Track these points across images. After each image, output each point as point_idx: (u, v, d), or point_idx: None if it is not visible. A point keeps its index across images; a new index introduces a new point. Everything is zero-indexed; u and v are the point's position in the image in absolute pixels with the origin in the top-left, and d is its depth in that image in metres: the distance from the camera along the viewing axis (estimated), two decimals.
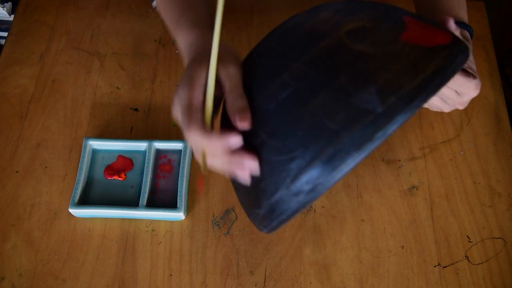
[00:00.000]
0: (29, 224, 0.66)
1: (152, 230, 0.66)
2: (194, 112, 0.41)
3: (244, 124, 0.41)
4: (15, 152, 0.71)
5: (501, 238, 0.66)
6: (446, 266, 0.64)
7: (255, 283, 0.63)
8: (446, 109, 0.57)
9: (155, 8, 0.63)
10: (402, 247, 0.65)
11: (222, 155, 0.42)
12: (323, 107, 0.39)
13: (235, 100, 0.42)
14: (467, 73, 0.53)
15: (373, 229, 0.66)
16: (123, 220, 0.66)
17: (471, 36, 0.60)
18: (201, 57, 0.45)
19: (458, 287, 0.62)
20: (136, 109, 0.75)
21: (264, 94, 0.42)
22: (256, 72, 0.45)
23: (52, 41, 0.82)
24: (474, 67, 0.57)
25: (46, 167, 0.70)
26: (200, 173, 0.47)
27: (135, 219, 0.66)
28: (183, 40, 0.52)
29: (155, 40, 0.82)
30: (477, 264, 0.64)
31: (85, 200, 0.67)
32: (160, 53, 0.80)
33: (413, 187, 0.69)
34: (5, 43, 0.82)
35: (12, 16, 1.08)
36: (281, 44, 0.46)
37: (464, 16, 0.61)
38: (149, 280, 0.63)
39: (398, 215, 0.67)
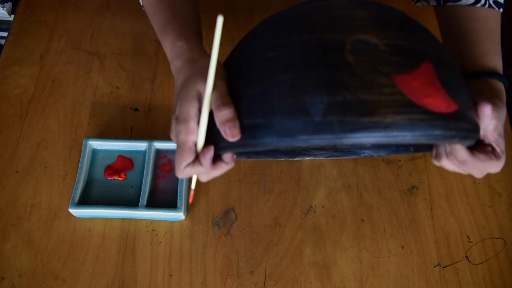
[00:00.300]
0: (29, 224, 0.66)
1: (152, 230, 0.66)
2: (186, 152, 0.45)
3: (234, 138, 0.42)
4: (15, 152, 0.71)
5: (501, 238, 0.66)
6: (446, 266, 0.64)
7: (255, 283, 0.63)
8: (460, 171, 0.50)
9: (142, 7, 0.62)
10: (402, 247, 0.65)
11: (206, 174, 0.47)
12: (282, 85, 0.41)
13: (220, 112, 0.43)
14: (491, 151, 0.46)
15: (373, 229, 0.66)
16: (123, 220, 0.66)
17: (506, 89, 0.53)
18: (186, 86, 0.46)
19: (458, 287, 0.62)
20: (136, 109, 0.75)
21: (255, 48, 0.45)
22: (259, 27, 0.47)
23: (52, 41, 0.82)
24: (502, 143, 0.47)
25: (46, 167, 0.70)
26: (191, 188, 0.53)
27: (135, 219, 0.66)
28: (169, 49, 0.54)
29: (155, 40, 0.82)
30: (477, 264, 0.64)
31: (85, 200, 0.67)
32: (160, 53, 0.80)
33: (413, 187, 0.69)
34: (5, 43, 0.82)
35: (12, 16, 1.08)
36: (300, 15, 0.45)
37: (498, 63, 0.54)
38: (149, 280, 0.63)
39: (398, 215, 0.67)
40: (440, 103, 0.40)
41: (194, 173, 0.46)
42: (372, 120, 0.38)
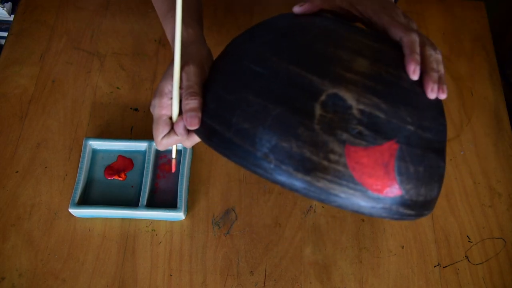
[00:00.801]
0: (29, 224, 0.66)
1: (152, 230, 0.66)
2: (160, 124, 0.48)
3: (192, 127, 0.46)
4: (15, 152, 0.71)
5: (501, 238, 0.66)
6: (446, 266, 0.64)
7: (255, 283, 0.63)
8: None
9: None
10: (402, 247, 0.65)
11: (185, 141, 0.50)
12: (247, 106, 0.42)
13: (186, 100, 0.46)
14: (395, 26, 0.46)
15: (373, 229, 0.66)
16: (123, 220, 0.66)
17: None
18: (169, 66, 0.50)
19: (458, 287, 0.62)
20: (136, 109, 0.75)
21: (249, 52, 0.46)
22: (266, 28, 0.48)
23: (52, 41, 0.82)
24: (398, 12, 0.48)
25: (46, 167, 0.70)
26: (173, 158, 0.57)
27: (135, 219, 0.66)
28: (170, 36, 0.57)
29: (155, 40, 0.82)
30: (477, 264, 0.64)
31: (85, 200, 0.67)
32: (160, 53, 0.80)
33: None
34: (5, 43, 0.82)
35: (12, 16, 1.08)
36: (308, 36, 0.45)
37: None
38: (149, 280, 0.63)
39: None
40: (381, 186, 0.40)
41: (171, 142, 0.49)
42: (305, 179, 0.39)
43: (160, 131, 0.48)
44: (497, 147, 0.72)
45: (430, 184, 0.44)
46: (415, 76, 0.43)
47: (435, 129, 0.44)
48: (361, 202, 0.40)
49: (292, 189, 0.40)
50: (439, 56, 0.45)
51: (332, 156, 0.39)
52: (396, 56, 0.44)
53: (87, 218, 0.66)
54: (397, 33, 0.46)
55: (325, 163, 0.39)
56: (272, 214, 0.67)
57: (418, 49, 0.44)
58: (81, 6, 0.85)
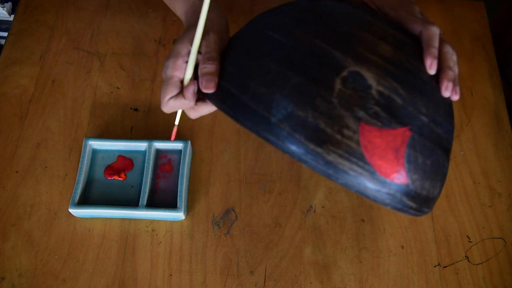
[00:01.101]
0: (29, 224, 0.66)
1: (152, 230, 0.66)
2: (171, 85, 0.48)
3: (208, 90, 0.46)
4: (15, 152, 0.71)
5: (501, 238, 0.66)
6: (446, 266, 0.64)
7: (255, 283, 0.63)
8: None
9: None
10: (402, 247, 0.65)
11: (191, 109, 0.50)
12: (266, 72, 0.42)
13: (204, 64, 0.46)
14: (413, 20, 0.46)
15: (373, 229, 0.66)
16: (123, 220, 0.66)
17: None
18: (188, 30, 0.50)
19: (458, 287, 0.62)
20: (136, 109, 0.75)
21: (269, 21, 0.46)
22: (287, 5, 0.48)
23: (52, 41, 0.82)
24: (414, 8, 0.48)
25: (46, 167, 0.70)
26: (175, 125, 0.54)
27: (135, 219, 0.66)
28: (179, 11, 0.57)
29: (155, 40, 0.82)
30: (477, 264, 0.64)
31: (85, 200, 0.67)
32: (160, 53, 0.80)
33: None
34: (5, 43, 0.82)
35: (12, 16, 1.08)
36: (332, 17, 0.45)
37: None
38: (149, 280, 0.63)
39: (398, 215, 0.67)
40: (390, 170, 0.40)
41: (177, 106, 0.48)
42: (316, 150, 0.39)
43: (169, 91, 0.47)
44: (497, 147, 0.72)
45: (434, 180, 0.44)
46: (431, 70, 0.44)
47: (446, 127, 0.45)
48: (368, 183, 0.40)
49: (302, 160, 0.40)
50: (455, 57, 0.45)
51: (346, 132, 0.39)
52: (416, 49, 0.45)
53: (87, 218, 0.66)
54: (416, 27, 0.46)
55: (338, 137, 0.39)
56: (272, 214, 0.67)
57: (437, 44, 0.44)
58: (81, 6, 0.85)
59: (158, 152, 0.70)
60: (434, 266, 0.64)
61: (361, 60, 0.41)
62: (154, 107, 0.75)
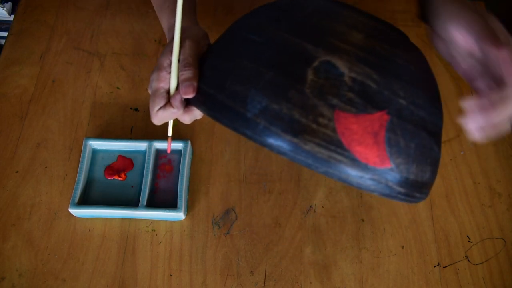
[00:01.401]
0: (29, 224, 0.66)
1: (152, 230, 0.66)
2: (157, 97, 0.50)
3: (188, 95, 0.47)
4: (15, 152, 0.71)
5: (501, 238, 0.66)
6: (446, 266, 0.64)
7: (255, 283, 0.63)
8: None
9: None
10: (402, 247, 0.65)
11: (181, 116, 0.51)
12: (242, 70, 0.43)
13: (181, 71, 0.48)
14: (490, 39, 0.42)
15: (373, 229, 0.66)
16: (123, 220, 0.66)
17: None
18: (169, 44, 0.52)
19: (458, 287, 0.62)
20: (136, 109, 0.75)
21: (247, 24, 0.47)
22: (266, 6, 0.49)
23: (52, 41, 0.82)
24: (501, 31, 0.43)
25: (46, 167, 0.70)
26: (168, 137, 0.57)
27: (135, 219, 0.66)
28: (164, 25, 0.60)
29: (155, 40, 0.82)
30: (477, 264, 0.64)
31: (85, 200, 0.67)
32: (160, 53, 0.80)
33: None
34: (5, 43, 0.82)
35: (12, 16, 1.08)
36: (306, 12, 0.45)
37: None
38: (149, 280, 0.63)
39: (398, 215, 0.67)
40: (370, 155, 0.40)
41: (167, 116, 0.50)
42: (293, 141, 0.39)
43: (157, 103, 0.49)
44: (497, 147, 0.72)
45: (422, 164, 0.44)
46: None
47: (429, 110, 0.44)
48: (349, 170, 0.40)
49: (280, 152, 0.40)
50: None
51: (321, 120, 0.39)
52: (389, 34, 0.45)
53: (87, 218, 0.66)
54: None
55: (314, 126, 0.39)
56: (272, 214, 0.67)
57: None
58: (81, 6, 0.85)
59: (158, 152, 0.70)
60: (434, 266, 0.64)
61: (332, 49, 0.42)
62: None
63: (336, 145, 0.39)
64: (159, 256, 0.64)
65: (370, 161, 0.40)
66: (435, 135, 0.45)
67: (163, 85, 0.50)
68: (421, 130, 0.43)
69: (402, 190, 0.43)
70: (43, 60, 0.80)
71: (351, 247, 0.65)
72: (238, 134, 0.42)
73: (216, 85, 0.44)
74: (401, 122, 0.41)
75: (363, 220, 0.67)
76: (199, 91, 0.46)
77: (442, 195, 0.68)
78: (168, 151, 0.58)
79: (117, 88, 0.77)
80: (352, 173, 0.40)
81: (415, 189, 0.44)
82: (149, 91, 0.51)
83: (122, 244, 0.65)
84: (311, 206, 0.68)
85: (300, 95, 0.40)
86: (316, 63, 0.41)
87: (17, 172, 0.70)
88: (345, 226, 0.66)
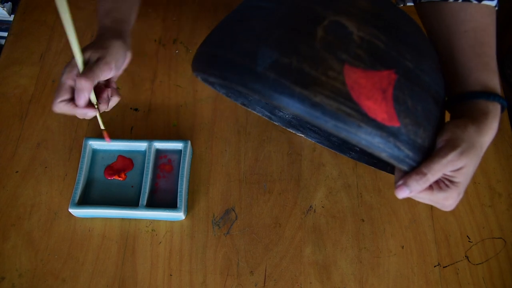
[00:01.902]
0: (29, 224, 0.66)
1: (152, 230, 0.66)
2: (64, 89, 0.54)
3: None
4: (15, 152, 0.71)
5: (501, 238, 0.66)
6: (446, 266, 0.64)
7: (255, 283, 0.63)
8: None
9: None
10: (402, 247, 0.65)
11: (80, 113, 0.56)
12: (251, 30, 0.43)
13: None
14: (437, 185, 0.45)
15: (373, 229, 0.66)
16: (123, 220, 0.66)
17: (502, 110, 0.48)
18: (91, 43, 0.56)
19: (458, 287, 0.62)
20: (136, 109, 0.75)
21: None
22: None
23: (52, 41, 0.82)
24: (459, 176, 0.45)
25: (46, 167, 0.70)
26: (103, 130, 0.62)
27: (135, 219, 0.66)
28: (97, 28, 0.61)
29: (155, 40, 0.82)
30: (477, 264, 0.64)
31: (85, 200, 0.67)
32: (160, 53, 0.80)
33: None
34: (5, 43, 0.82)
35: (12, 16, 1.08)
36: None
37: (486, 79, 0.49)
38: (149, 280, 0.63)
39: (398, 215, 0.67)
40: (379, 110, 0.40)
41: (67, 110, 0.54)
42: (302, 93, 0.39)
43: (61, 94, 0.53)
44: (497, 147, 0.72)
45: (428, 130, 0.44)
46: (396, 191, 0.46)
47: (433, 77, 0.45)
48: (357, 124, 0.40)
49: (289, 105, 0.40)
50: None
51: (331, 73, 0.40)
52: (397, 9, 0.46)
53: (87, 218, 0.66)
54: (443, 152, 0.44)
55: (324, 78, 0.39)
56: (272, 214, 0.67)
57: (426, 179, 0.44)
58: (81, 6, 0.85)
59: (158, 152, 0.70)
60: (434, 266, 0.64)
61: (341, 11, 0.42)
62: (154, 107, 0.75)
63: (345, 97, 0.39)
64: (159, 256, 0.64)
65: (379, 117, 0.40)
66: (440, 104, 0.46)
67: (70, 82, 0.54)
68: (427, 95, 0.44)
69: (410, 153, 0.43)
70: (43, 60, 0.80)
71: (351, 247, 0.65)
72: (247, 91, 0.41)
73: (225, 46, 0.44)
74: (409, 84, 0.42)
75: (363, 220, 0.67)
76: (203, 54, 0.46)
77: None
78: (107, 141, 0.64)
79: (117, 88, 0.77)
80: (361, 128, 0.40)
81: (422, 156, 0.44)
82: (60, 79, 0.55)
83: (122, 244, 0.65)
84: (311, 206, 0.68)
85: (310, 49, 0.40)
86: (325, 22, 0.42)
87: (17, 172, 0.70)
88: (345, 226, 0.66)
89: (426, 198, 0.46)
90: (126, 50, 0.59)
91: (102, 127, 0.61)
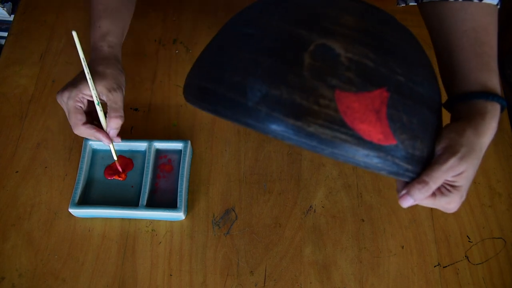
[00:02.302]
0: (29, 224, 0.66)
1: (152, 230, 0.66)
2: (78, 113, 0.57)
3: (115, 139, 0.62)
4: (15, 152, 0.71)
5: (501, 238, 0.66)
6: (446, 266, 0.64)
7: (255, 283, 0.63)
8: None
9: None
10: (402, 247, 0.65)
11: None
12: (239, 61, 0.43)
13: (113, 118, 0.59)
14: (439, 191, 0.46)
15: (373, 229, 0.66)
16: (123, 220, 0.66)
17: (502, 110, 0.48)
18: (94, 61, 0.61)
19: (458, 287, 0.62)
20: (136, 109, 0.75)
21: (241, 19, 0.48)
22: (259, 1, 0.49)
23: (52, 41, 0.82)
24: (460, 181, 0.45)
25: (46, 167, 0.70)
26: (115, 160, 0.66)
27: (135, 219, 0.66)
28: (92, 42, 0.64)
29: (155, 40, 0.82)
30: (477, 264, 0.64)
31: (85, 200, 0.67)
32: (160, 53, 0.80)
33: None
34: (5, 43, 0.82)
35: (12, 16, 1.08)
36: (296, 2, 0.46)
37: (490, 80, 0.48)
38: (149, 280, 0.63)
39: (398, 215, 0.67)
40: (374, 132, 0.40)
41: (89, 134, 0.58)
42: (296, 124, 0.39)
43: (78, 118, 0.57)
44: (497, 147, 0.72)
45: (426, 140, 0.44)
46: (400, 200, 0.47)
47: (426, 86, 0.44)
48: (354, 149, 0.40)
49: (284, 137, 0.40)
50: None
51: (322, 101, 0.39)
52: (379, 15, 0.45)
53: (87, 218, 0.66)
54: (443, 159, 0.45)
55: (316, 107, 0.39)
56: (272, 214, 0.67)
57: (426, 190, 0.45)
58: (81, 6, 0.85)
59: (158, 152, 0.70)
60: (434, 266, 0.64)
61: (326, 33, 0.42)
62: (154, 107, 0.75)
63: (339, 124, 0.39)
64: (159, 256, 0.64)
65: (375, 138, 0.40)
66: (436, 111, 0.46)
67: (80, 105, 0.57)
68: (422, 106, 0.43)
69: (409, 167, 0.43)
70: (43, 60, 0.80)
71: (351, 247, 0.65)
72: (240, 125, 0.41)
73: (214, 79, 0.44)
74: (401, 98, 0.42)
75: (363, 220, 0.67)
76: (195, 87, 0.46)
77: None
78: (122, 175, 0.68)
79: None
80: (358, 151, 0.40)
81: (422, 166, 0.44)
82: (63, 106, 0.58)
83: (122, 244, 0.65)
84: (311, 206, 0.68)
85: (299, 78, 0.40)
86: (311, 47, 0.41)
87: (17, 172, 0.70)
88: (345, 226, 0.66)
89: (430, 203, 0.47)
90: (123, 74, 0.63)
91: (115, 158, 0.65)
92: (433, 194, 0.46)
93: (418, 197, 0.45)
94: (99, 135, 0.58)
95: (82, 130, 0.57)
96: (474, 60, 0.50)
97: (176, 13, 0.84)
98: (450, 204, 0.46)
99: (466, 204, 0.68)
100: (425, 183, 0.44)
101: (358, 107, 0.40)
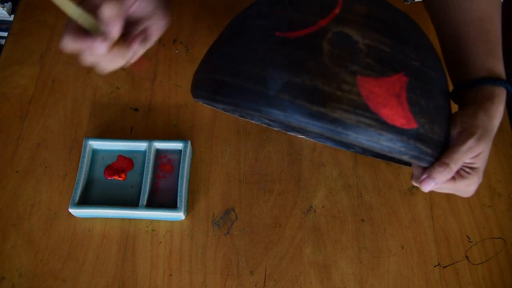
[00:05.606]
0: (29, 224, 0.66)
1: (152, 230, 0.66)
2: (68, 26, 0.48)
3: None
4: (15, 152, 0.71)
5: (501, 238, 0.66)
6: (446, 266, 0.64)
7: (255, 283, 0.63)
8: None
9: None
10: (402, 247, 0.65)
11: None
12: (256, 52, 0.43)
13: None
14: (458, 174, 0.47)
15: (373, 229, 0.66)
16: (123, 220, 0.67)
17: (508, 94, 0.49)
18: None
19: (458, 287, 0.62)
20: (136, 109, 0.75)
21: (254, 12, 0.47)
22: None
23: (52, 41, 0.82)
24: (479, 163, 0.47)
25: (46, 167, 0.70)
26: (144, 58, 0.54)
27: (135, 219, 0.66)
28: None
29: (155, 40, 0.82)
30: (477, 264, 0.64)
31: (85, 200, 0.67)
32: (160, 53, 0.80)
33: (413, 187, 0.69)
34: (5, 43, 0.82)
35: (12, 16, 1.08)
36: None
37: (496, 66, 0.49)
38: (149, 280, 0.63)
39: (398, 215, 0.67)
40: (397, 116, 0.41)
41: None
42: (320, 110, 0.39)
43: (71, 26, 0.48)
44: (497, 147, 0.72)
45: (442, 125, 0.45)
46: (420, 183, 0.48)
47: (438, 71, 0.46)
48: (379, 133, 0.40)
49: (309, 124, 0.40)
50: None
51: (345, 86, 0.40)
52: (390, 7, 0.46)
53: (87, 218, 0.66)
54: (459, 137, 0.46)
55: (339, 93, 0.39)
56: (272, 214, 0.67)
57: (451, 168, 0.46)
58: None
59: (158, 152, 0.70)
60: (434, 266, 0.64)
61: (342, 21, 0.42)
62: (154, 107, 0.75)
63: (363, 109, 0.40)
64: (159, 256, 0.64)
65: (398, 122, 0.41)
66: (447, 96, 0.47)
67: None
68: (436, 90, 0.44)
69: (429, 151, 0.44)
70: (43, 60, 0.80)
71: (351, 247, 0.65)
72: (262, 115, 0.41)
73: (231, 71, 0.43)
74: (418, 83, 0.42)
75: (363, 220, 0.67)
76: (209, 80, 0.45)
77: (442, 195, 0.68)
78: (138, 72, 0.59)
79: (117, 88, 0.77)
80: (382, 136, 0.40)
81: (440, 150, 0.45)
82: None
83: (122, 244, 0.65)
84: (311, 206, 0.68)
85: (320, 65, 0.40)
86: (329, 35, 0.41)
87: (17, 172, 0.70)
88: (345, 226, 0.66)
89: (450, 187, 0.48)
90: None
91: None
92: (453, 178, 0.47)
93: (440, 180, 0.46)
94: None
95: (69, 43, 0.48)
96: (481, 47, 0.50)
97: (176, 13, 0.84)
98: (469, 186, 0.48)
99: (466, 204, 0.68)
100: (446, 165, 0.45)
101: (379, 91, 0.40)
